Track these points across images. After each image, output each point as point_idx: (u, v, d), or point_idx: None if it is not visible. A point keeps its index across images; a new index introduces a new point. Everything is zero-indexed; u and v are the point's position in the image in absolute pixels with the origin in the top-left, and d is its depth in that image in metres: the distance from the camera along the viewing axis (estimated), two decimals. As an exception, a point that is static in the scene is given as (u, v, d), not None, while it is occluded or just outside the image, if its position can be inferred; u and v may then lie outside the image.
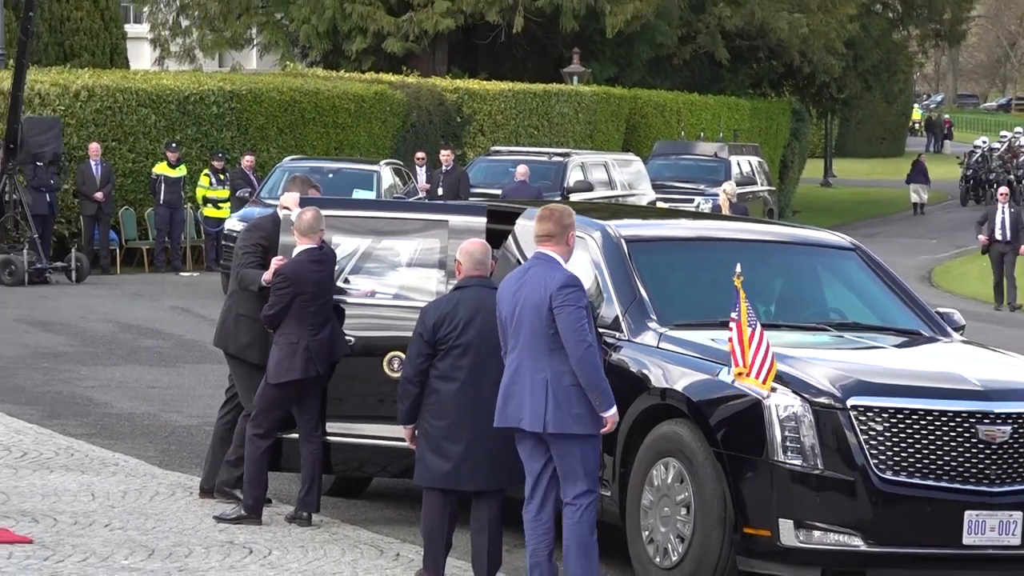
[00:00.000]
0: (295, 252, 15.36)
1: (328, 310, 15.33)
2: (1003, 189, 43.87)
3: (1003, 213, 40.57)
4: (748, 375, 13.05)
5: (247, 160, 39.68)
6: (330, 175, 37.64)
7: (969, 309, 28.57)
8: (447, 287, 14.80)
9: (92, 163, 38.30)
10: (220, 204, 39.48)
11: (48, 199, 36.87)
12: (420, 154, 42.81)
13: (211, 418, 20.77)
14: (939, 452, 13.24)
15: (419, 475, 13.75)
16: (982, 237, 41.11)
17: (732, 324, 13.12)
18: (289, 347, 15.19)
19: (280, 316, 15.24)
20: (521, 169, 39.58)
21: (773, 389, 13.07)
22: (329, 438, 15.53)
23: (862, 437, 13.17)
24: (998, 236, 40.36)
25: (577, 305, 12.74)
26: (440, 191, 38.71)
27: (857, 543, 13.17)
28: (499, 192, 37.40)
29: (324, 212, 15.68)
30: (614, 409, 12.84)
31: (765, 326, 13.62)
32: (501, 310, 12.99)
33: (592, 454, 12.94)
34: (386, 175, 38.19)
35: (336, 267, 15.67)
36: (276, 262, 15.57)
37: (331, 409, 15.53)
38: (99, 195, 38.16)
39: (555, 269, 12.86)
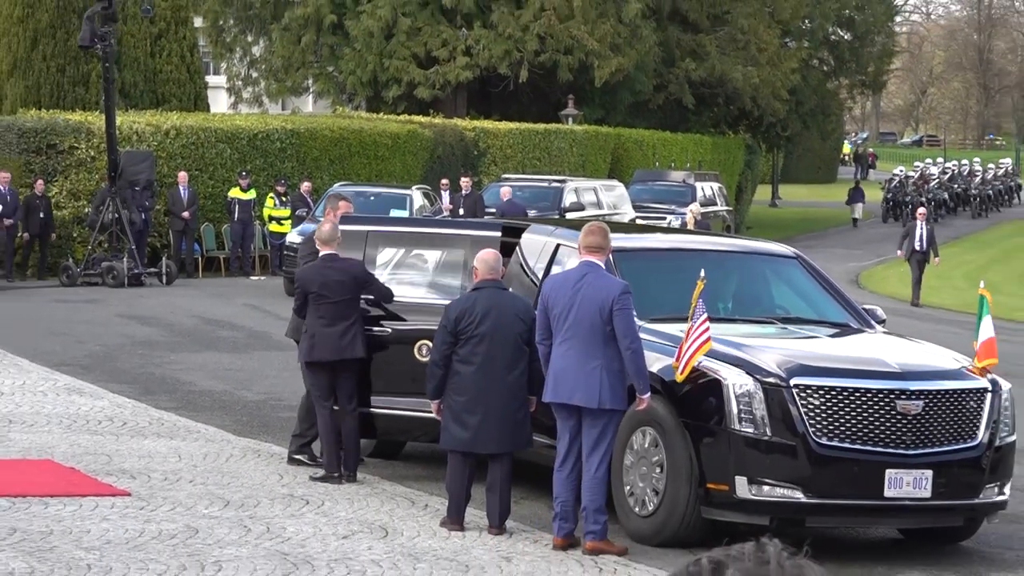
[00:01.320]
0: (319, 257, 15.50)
1: (346, 309, 15.15)
2: (921, 210, 43.68)
3: (921, 228, 40.41)
4: (676, 366, 13.18)
5: (305, 186, 39.78)
6: (371, 197, 37.69)
7: (889, 306, 28.52)
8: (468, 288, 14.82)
9: (181, 188, 38.39)
10: (283, 221, 39.53)
11: (143, 217, 36.96)
12: (444, 180, 42.85)
13: (276, 395, 20.83)
14: (865, 422, 13.25)
15: (444, 441, 13.78)
16: (900, 252, 41.09)
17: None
18: (305, 335, 15.26)
19: (301, 310, 15.34)
20: (505, 190, 39.98)
21: (691, 373, 13.15)
22: (374, 410, 15.57)
23: (802, 410, 13.18)
24: (917, 247, 40.06)
25: (631, 308, 12.89)
26: (461, 211, 38.75)
27: (799, 496, 13.18)
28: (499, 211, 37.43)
29: (375, 227, 15.80)
30: (649, 393, 12.96)
31: (724, 320, 13.65)
32: (551, 304, 13.02)
33: (616, 428, 13.06)
34: (417, 197, 38.24)
35: (383, 270, 15.72)
36: None
37: (376, 386, 15.55)
38: (186, 214, 38.28)
39: (611, 277, 13.14)
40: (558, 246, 15.44)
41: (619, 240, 15.70)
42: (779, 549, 2.48)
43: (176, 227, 38.66)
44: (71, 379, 21.20)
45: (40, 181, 36.60)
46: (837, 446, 13.20)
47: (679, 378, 13.15)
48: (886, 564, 13.69)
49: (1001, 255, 58.76)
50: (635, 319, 13.05)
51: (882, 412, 13.29)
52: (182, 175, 38.62)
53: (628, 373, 12.86)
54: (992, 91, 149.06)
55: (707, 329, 12.97)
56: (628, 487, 13.87)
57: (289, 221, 39.00)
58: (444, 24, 57.03)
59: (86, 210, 37.40)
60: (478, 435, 13.51)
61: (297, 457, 15.95)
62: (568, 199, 41.56)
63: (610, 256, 14.75)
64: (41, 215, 36.19)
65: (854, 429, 13.24)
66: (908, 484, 13.30)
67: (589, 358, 12.84)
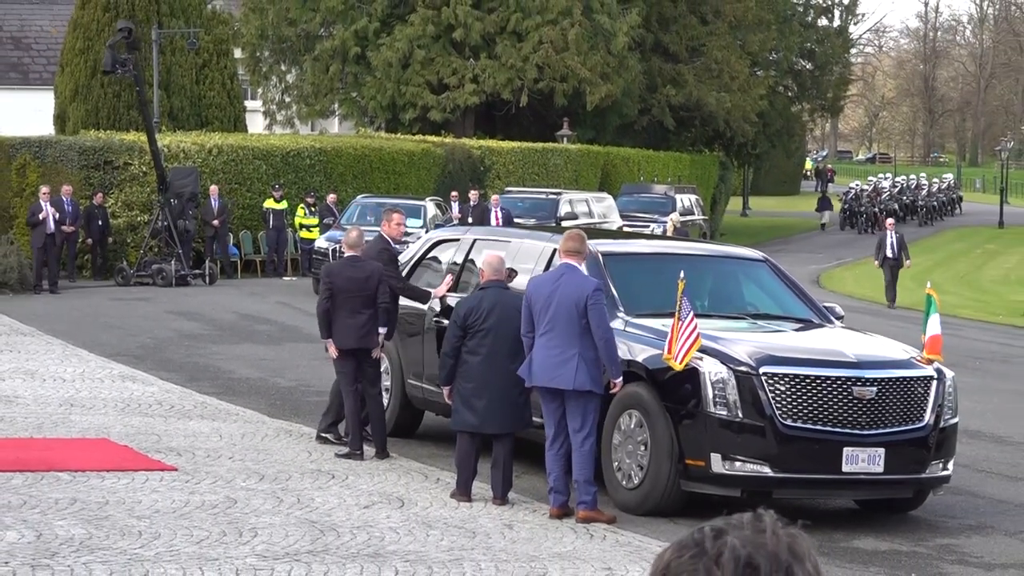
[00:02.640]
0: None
1: (364, 304, 15.23)
2: (890, 220, 41.96)
3: (891, 237, 38.87)
4: (671, 359, 13.07)
5: (331, 197, 39.73)
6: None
7: (846, 304, 28.48)
8: None
9: (212, 200, 38.38)
10: (311, 228, 39.51)
11: (194, 224, 37.16)
12: (454, 193, 42.84)
13: (305, 381, 20.79)
14: (825, 405, 13.22)
15: (454, 422, 13.76)
16: (875, 262, 39.57)
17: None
18: (333, 326, 15.29)
19: (326, 303, 15.30)
20: (495, 199, 39.96)
21: (687, 366, 13.07)
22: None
23: (770, 394, 13.15)
24: (888, 254, 38.63)
25: (603, 304, 12.88)
26: (469, 219, 38.71)
27: (766, 471, 13.15)
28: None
29: (452, 235, 16.35)
30: (621, 377, 12.96)
31: (700, 315, 13.61)
32: (533, 301, 12.99)
33: (596, 408, 13.01)
34: (430, 208, 38.22)
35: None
36: (438, 291, 15.82)
37: (410, 369, 15.69)
38: (215, 222, 38.25)
39: (585, 277, 13.04)
40: (555, 250, 15.40)
41: (609, 245, 15.69)
42: (774, 519, 2.46)
43: (208, 233, 38.68)
44: (125, 368, 21.18)
45: (100, 194, 36.70)
46: (800, 427, 13.18)
47: (678, 367, 13.05)
48: (844, 531, 13.67)
49: (945, 259, 58.75)
50: (607, 313, 12.99)
51: (840, 397, 13.26)
52: (213, 188, 38.60)
53: (602, 361, 12.84)
54: (936, 115, 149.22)
55: (696, 326, 12.93)
56: (616, 463, 13.84)
57: (317, 228, 39.00)
58: (454, 55, 57.02)
59: (139, 218, 37.59)
60: (484, 417, 13.49)
61: (324, 436, 15.92)
62: (563, 209, 41.53)
63: (599, 257, 14.78)
64: (100, 223, 36.37)
65: (815, 412, 13.21)
66: (863, 460, 13.27)
67: (567, 347, 12.80)
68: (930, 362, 14.01)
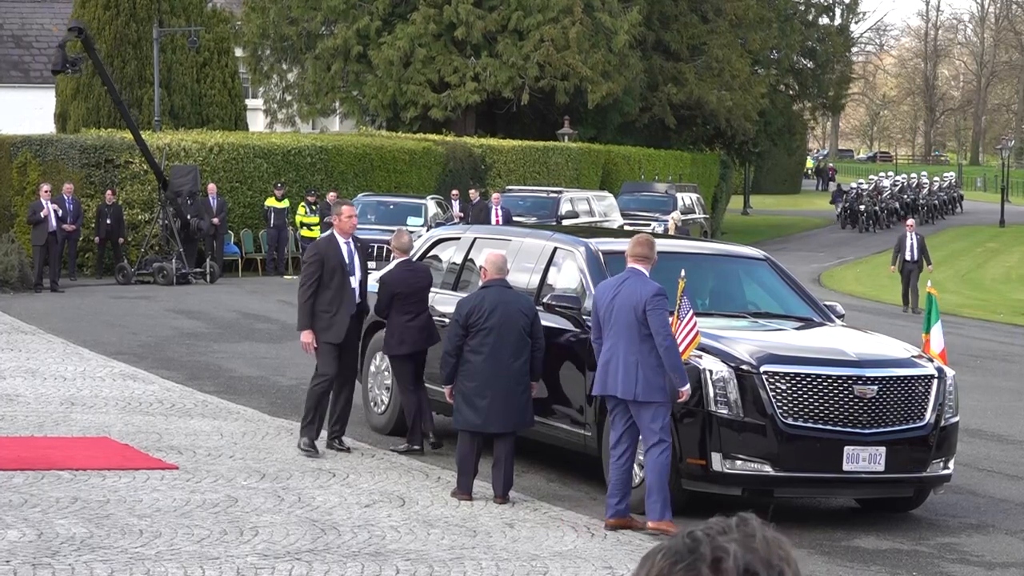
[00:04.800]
0: (395, 263, 15.79)
1: (421, 305, 15.52)
2: (910, 221, 38.47)
3: (911, 239, 36.48)
4: None
5: (332, 195, 39.68)
6: (391, 206, 37.71)
7: (847, 303, 28.45)
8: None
9: (211, 198, 38.37)
10: (312, 227, 39.49)
11: (209, 222, 37.30)
12: (455, 191, 42.85)
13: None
14: (826, 404, 13.22)
15: (456, 421, 13.75)
16: (892, 267, 38.01)
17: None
18: (391, 331, 15.61)
19: (386, 309, 15.52)
20: (495, 197, 39.99)
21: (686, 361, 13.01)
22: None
23: (771, 393, 13.14)
24: (908, 257, 36.43)
25: (664, 309, 12.61)
26: (470, 218, 38.74)
27: (767, 469, 13.14)
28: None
29: (476, 234, 16.36)
30: (688, 385, 12.73)
31: (701, 314, 13.59)
32: (599, 307, 12.89)
33: (665, 415, 12.69)
34: (431, 206, 38.24)
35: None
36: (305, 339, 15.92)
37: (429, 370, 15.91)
38: (216, 220, 38.24)
39: (647, 282, 12.70)
40: (555, 249, 15.39)
41: (610, 244, 15.67)
42: (760, 523, 2.45)
43: (209, 232, 38.67)
44: (126, 366, 21.17)
45: (110, 192, 36.77)
46: (801, 426, 13.17)
47: None
48: (844, 529, 13.67)
49: (946, 258, 58.67)
50: (668, 319, 12.74)
51: (841, 396, 13.25)
52: (211, 187, 38.63)
53: (666, 368, 12.63)
54: (937, 113, 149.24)
55: (695, 324, 12.89)
56: (617, 462, 13.81)
57: (318, 227, 38.97)
58: (455, 54, 57.02)
59: (139, 216, 37.65)
60: (487, 417, 13.48)
61: (334, 444, 15.82)
62: (564, 208, 41.54)
63: (600, 256, 14.73)
64: (108, 221, 36.40)
65: (816, 411, 13.20)
66: (864, 459, 13.27)
67: (628, 354, 12.60)
68: (932, 359, 14.02)
